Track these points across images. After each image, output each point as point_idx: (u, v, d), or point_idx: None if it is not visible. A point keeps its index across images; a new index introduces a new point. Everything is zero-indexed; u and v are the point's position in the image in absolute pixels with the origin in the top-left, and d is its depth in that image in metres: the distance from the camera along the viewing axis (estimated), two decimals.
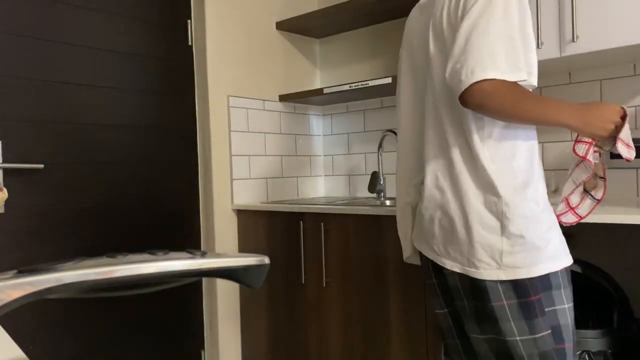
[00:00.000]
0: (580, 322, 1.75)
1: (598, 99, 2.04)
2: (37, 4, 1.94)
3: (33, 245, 1.92)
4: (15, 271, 0.40)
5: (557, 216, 1.27)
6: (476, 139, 1.17)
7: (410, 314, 1.87)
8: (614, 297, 1.58)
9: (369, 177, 2.66)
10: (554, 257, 1.18)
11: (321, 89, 2.50)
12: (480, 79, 1.07)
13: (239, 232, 2.46)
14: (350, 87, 2.39)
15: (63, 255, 1.98)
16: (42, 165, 1.93)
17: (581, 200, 1.32)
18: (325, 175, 2.92)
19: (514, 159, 1.17)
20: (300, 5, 2.75)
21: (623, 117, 1.18)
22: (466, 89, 1.08)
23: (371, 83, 2.31)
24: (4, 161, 1.86)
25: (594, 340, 1.49)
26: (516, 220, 1.14)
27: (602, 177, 1.30)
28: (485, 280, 1.16)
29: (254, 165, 2.55)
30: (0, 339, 0.54)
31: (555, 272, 1.18)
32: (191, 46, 2.41)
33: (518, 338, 1.15)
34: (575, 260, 1.67)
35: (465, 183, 1.18)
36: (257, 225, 2.37)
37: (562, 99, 1.23)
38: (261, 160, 2.58)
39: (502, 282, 1.15)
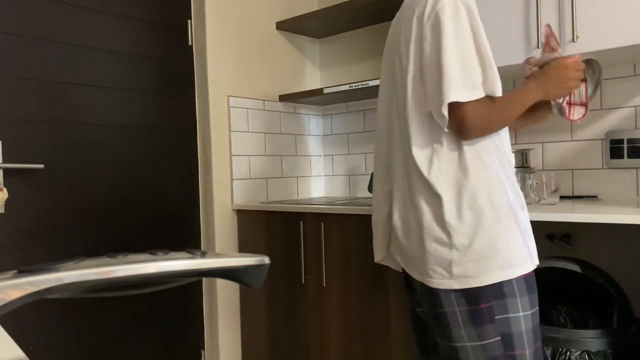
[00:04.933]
0: (580, 322, 1.75)
1: (598, 99, 2.04)
2: (37, 4, 1.94)
3: (33, 245, 1.92)
4: (15, 271, 0.40)
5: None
6: (426, 153, 1.22)
7: (410, 313, 1.87)
8: (614, 297, 1.58)
9: (369, 177, 2.66)
10: (506, 265, 1.19)
11: (321, 89, 2.50)
12: (446, 103, 1.14)
13: (239, 232, 2.46)
14: (350, 87, 2.39)
15: (63, 255, 1.98)
16: (42, 165, 1.93)
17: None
18: (325, 175, 2.92)
19: (461, 171, 1.20)
20: (300, 6, 2.75)
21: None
22: (449, 118, 1.16)
23: (371, 83, 2.31)
24: (4, 161, 1.86)
25: (594, 340, 1.49)
26: (462, 230, 1.17)
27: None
28: (439, 288, 1.21)
29: (254, 165, 2.55)
30: (0, 339, 0.54)
31: (509, 281, 1.19)
32: (191, 46, 2.41)
33: (467, 344, 1.19)
34: (575, 260, 1.67)
35: (419, 197, 1.23)
36: (257, 225, 2.37)
37: (527, 82, 1.31)
38: (261, 160, 2.58)
39: (454, 290, 1.19)
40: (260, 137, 2.58)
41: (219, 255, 0.46)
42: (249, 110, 2.53)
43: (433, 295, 1.22)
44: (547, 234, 2.10)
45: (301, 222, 2.17)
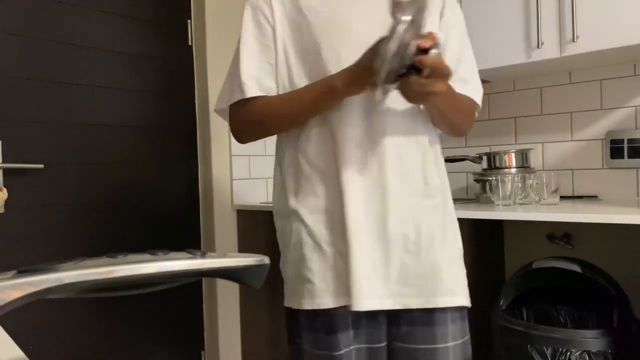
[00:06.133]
0: (580, 322, 1.76)
1: (598, 99, 2.04)
2: (37, 4, 1.94)
3: (33, 245, 1.92)
4: (15, 271, 0.40)
5: None
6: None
7: None
8: (614, 297, 1.58)
9: None
10: (290, 294, 1.12)
11: None
12: (221, 112, 1.20)
13: (239, 232, 2.46)
14: None
15: (63, 255, 1.98)
16: (42, 165, 1.93)
17: None
18: None
19: (281, 184, 1.18)
20: None
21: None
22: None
23: None
24: (4, 161, 1.86)
25: (594, 340, 1.49)
26: (280, 247, 1.18)
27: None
28: None
29: (254, 165, 2.54)
30: (0, 339, 0.54)
31: (297, 310, 1.09)
32: (191, 46, 2.41)
33: None
34: (575, 260, 1.67)
35: None
36: (257, 225, 2.37)
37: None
38: (261, 160, 2.58)
39: None
40: None
41: (219, 256, 0.46)
42: None
43: None
44: (547, 234, 2.10)
45: None
